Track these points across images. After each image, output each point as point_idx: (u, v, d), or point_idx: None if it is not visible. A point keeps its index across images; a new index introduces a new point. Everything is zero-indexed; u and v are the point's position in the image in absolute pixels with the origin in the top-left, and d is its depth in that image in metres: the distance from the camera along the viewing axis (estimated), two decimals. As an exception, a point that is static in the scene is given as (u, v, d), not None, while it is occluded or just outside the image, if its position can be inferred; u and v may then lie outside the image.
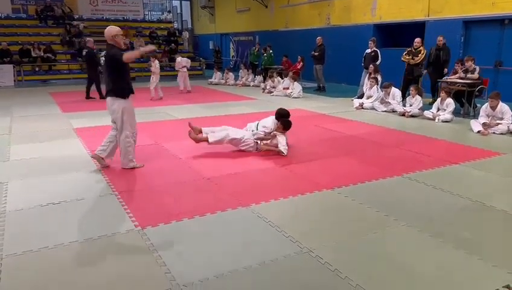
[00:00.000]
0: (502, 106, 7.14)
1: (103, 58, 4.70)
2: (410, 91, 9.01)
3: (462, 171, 5.01)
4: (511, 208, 3.81)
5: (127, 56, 4.60)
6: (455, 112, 8.37)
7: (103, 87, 10.95)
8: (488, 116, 7.21)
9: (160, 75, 11.62)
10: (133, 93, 4.92)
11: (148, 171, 4.96)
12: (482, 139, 6.71)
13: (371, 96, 9.89)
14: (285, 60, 14.90)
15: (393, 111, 9.09)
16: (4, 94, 12.61)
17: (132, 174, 4.88)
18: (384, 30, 13.71)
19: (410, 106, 8.81)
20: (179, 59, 13.31)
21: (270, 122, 5.86)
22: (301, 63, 14.05)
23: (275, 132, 5.74)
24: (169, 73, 16.85)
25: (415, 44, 9.99)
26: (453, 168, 5.09)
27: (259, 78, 15.13)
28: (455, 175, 4.85)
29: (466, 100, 8.70)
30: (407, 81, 10.04)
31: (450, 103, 8.14)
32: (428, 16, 12.00)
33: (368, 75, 10.54)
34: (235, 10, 22.07)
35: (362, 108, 9.66)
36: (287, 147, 5.58)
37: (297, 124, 6.00)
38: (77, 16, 20.27)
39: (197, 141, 5.70)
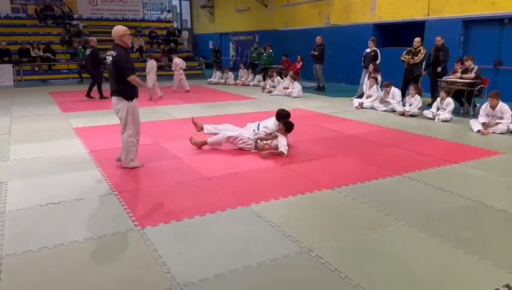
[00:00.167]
0: (502, 106, 7.14)
1: (110, 58, 4.71)
2: (410, 91, 9.01)
3: (462, 170, 5.01)
4: (511, 207, 3.81)
5: (133, 79, 4.69)
6: (455, 112, 8.37)
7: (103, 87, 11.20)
8: (487, 115, 7.21)
9: (160, 75, 11.62)
10: (137, 97, 4.94)
11: (148, 171, 4.96)
12: (482, 138, 6.71)
13: (371, 96, 9.88)
14: (284, 59, 14.89)
15: (393, 111, 9.09)
16: (4, 94, 12.60)
17: (132, 174, 4.87)
18: (383, 30, 13.70)
19: (410, 105, 8.82)
20: (177, 60, 13.32)
21: (271, 123, 5.86)
22: (301, 63, 14.06)
23: (276, 133, 5.75)
24: (169, 73, 16.81)
25: (414, 44, 9.99)
26: (453, 168, 5.09)
27: (258, 77, 15.13)
28: (455, 174, 4.85)
29: (466, 100, 8.71)
30: (407, 81, 10.04)
31: (449, 102, 8.14)
32: (428, 16, 12.00)
33: (367, 74, 10.54)
34: (235, 10, 22.06)
35: (362, 107, 9.66)
36: (287, 148, 5.57)
37: (297, 123, 6.00)
38: (77, 16, 20.25)
39: (198, 145, 5.85)
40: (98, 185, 4.47)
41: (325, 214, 3.75)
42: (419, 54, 9.83)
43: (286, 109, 6.12)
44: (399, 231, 3.36)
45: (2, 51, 15.40)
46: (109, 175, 4.76)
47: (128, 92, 4.81)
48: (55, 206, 3.88)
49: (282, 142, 5.58)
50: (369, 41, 11.27)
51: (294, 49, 15.55)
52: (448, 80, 9.00)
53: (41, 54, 16.37)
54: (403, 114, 8.69)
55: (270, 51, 15.42)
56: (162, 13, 26.96)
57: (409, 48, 10.10)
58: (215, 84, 15.66)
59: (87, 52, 11.55)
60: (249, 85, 14.96)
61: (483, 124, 7.09)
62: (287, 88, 12.23)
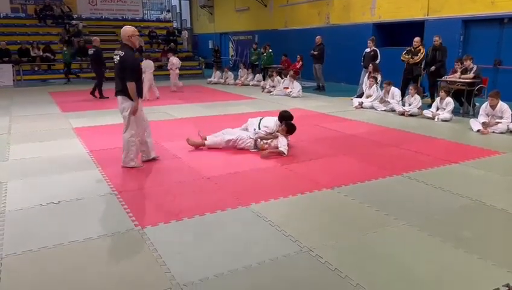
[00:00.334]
0: (502, 105, 7.14)
1: (117, 58, 4.73)
2: (409, 90, 9.02)
3: (462, 170, 5.01)
4: (510, 207, 3.81)
5: (131, 87, 4.71)
6: (454, 111, 8.37)
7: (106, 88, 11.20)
8: (487, 115, 7.21)
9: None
10: (141, 97, 4.96)
11: (148, 171, 4.96)
12: (482, 138, 6.72)
13: (371, 96, 9.89)
14: (284, 59, 14.89)
15: (393, 110, 9.09)
16: (3, 94, 12.59)
17: (132, 173, 4.87)
18: (383, 29, 13.71)
19: (409, 105, 8.82)
20: (174, 60, 13.34)
21: (272, 123, 5.86)
22: (300, 62, 14.05)
23: (276, 133, 5.75)
24: (167, 72, 16.81)
25: (414, 43, 9.98)
26: (453, 168, 5.09)
27: (258, 76, 15.13)
28: (455, 174, 4.85)
29: (465, 99, 8.71)
30: (407, 81, 10.04)
31: (449, 102, 8.15)
32: (427, 15, 12.00)
33: (367, 74, 10.54)
34: (234, 9, 22.06)
35: (362, 107, 9.66)
36: (287, 147, 5.57)
37: (297, 123, 5.99)
38: (76, 16, 20.25)
39: (196, 146, 5.88)
40: (98, 185, 4.47)
41: (325, 213, 3.75)
42: (418, 54, 9.83)
43: (289, 111, 6.11)
44: (399, 231, 3.36)
45: (2, 50, 15.40)
46: (109, 175, 4.76)
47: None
48: (55, 206, 3.88)
49: (282, 142, 5.58)
50: (368, 41, 11.27)
51: (294, 48, 15.55)
52: (447, 79, 9.00)
53: (41, 53, 16.37)
54: (402, 114, 8.69)
55: (270, 50, 15.41)
56: (162, 13, 26.96)
57: (409, 48, 10.10)
58: (215, 84, 15.66)
59: (91, 51, 11.55)
60: (249, 85, 14.97)
61: (483, 123, 7.09)
62: (287, 88, 12.23)
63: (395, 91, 9.37)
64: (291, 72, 12.71)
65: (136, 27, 5.14)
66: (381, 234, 3.30)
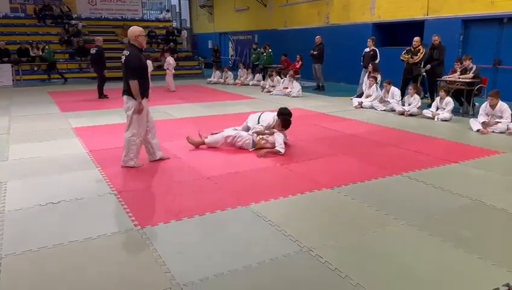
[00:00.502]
0: (501, 105, 7.14)
1: (123, 58, 4.82)
2: (409, 90, 9.02)
3: (462, 170, 5.01)
4: (510, 206, 3.81)
5: (134, 85, 4.72)
6: (454, 111, 8.37)
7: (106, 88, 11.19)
8: (487, 115, 7.21)
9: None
10: (147, 97, 4.96)
11: (147, 171, 4.96)
12: (482, 138, 6.72)
13: (370, 95, 9.89)
14: (284, 59, 14.89)
15: (392, 110, 9.09)
16: (3, 94, 12.58)
17: (131, 173, 4.87)
18: (383, 29, 13.71)
19: (409, 105, 8.82)
20: (171, 60, 13.34)
21: (270, 117, 5.93)
22: (300, 62, 14.05)
23: (273, 130, 5.76)
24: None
25: (414, 43, 9.98)
26: (453, 167, 5.09)
27: (258, 76, 15.13)
28: (455, 174, 4.85)
29: (465, 99, 8.71)
30: (406, 80, 10.04)
31: (449, 101, 8.15)
32: (427, 15, 12.00)
33: (367, 74, 10.54)
34: (234, 9, 22.05)
35: (361, 107, 9.66)
36: (283, 146, 5.58)
37: (296, 123, 6.01)
38: (76, 15, 20.24)
39: (196, 145, 5.89)
40: (98, 184, 4.47)
41: (324, 213, 3.75)
42: (418, 54, 9.83)
43: (288, 108, 6.13)
44: (399, 231, 3.36)
45: (1, 50, 15.36)
46: (108, 175, 4.75)
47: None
48: (54, 206, 3.87)
49: (278, 140, 5.60)
50: (368, 41, 11.27)
51: (293, 48, 15.55)
52: (447, 79, 9.01)
53: (40, 53, 16.34)
54: (402, 113, 8.69)
55: (270, 50, 15.42)
56: (161, 13, 26.94)
57: (409, 48, 10.10)
58: (215, 83, 15.65)
59: (93, 51, 11.55)
60: (249, 85, 14.96)
61: (483, 123, 7.10)
62: (287, 88, 12.23)
63: (395, 91, 9.37)
64: (291, 72, 12.70)
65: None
66: (381, 234, 3.30)
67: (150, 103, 5.20)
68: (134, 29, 4.87)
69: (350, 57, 13.35)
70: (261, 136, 5.74)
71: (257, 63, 16.02)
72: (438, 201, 4.00)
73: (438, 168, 5.01)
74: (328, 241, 3.16)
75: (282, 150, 5.53)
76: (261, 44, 16.60)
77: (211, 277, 2.68)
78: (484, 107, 7.30)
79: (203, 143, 5.89)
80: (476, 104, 8.61)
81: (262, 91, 13.08)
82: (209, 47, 24.20)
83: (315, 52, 12.77)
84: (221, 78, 15.92)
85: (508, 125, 6.95)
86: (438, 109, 8.28)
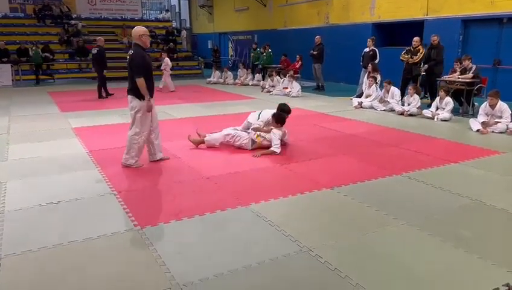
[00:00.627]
0: (501, 105, 7.14)
1: (128, 57, 4.88)
2: (408, 90, 9.03)
3: (462, 170, 5.02)
4: (510, 206, 3.81)
5: (140, 82, 4.71)
6: (454, 111, 8.38)
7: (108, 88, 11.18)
8: (487, 114, 7.21)
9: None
10: (151, 96, 4.94)
11: (147, 171, 4.96)
12: (481, 138, 6.72)
13: (370, 95, 9.89)
14: (284, 59, 14.89)
15: (392, 110, 9.09)
16: (2, 94, 12.57)
17: (131, 173, 4.87)
18: (383, 29, 13.71)
19: (409, 104, 8.83)
20: (168, 61, 13.32)
21: (269, 114, 5.95)
22: (300, 62, 14.05)
23: (271, 127, 5.77)
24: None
25: (413, 43, 9.98)
26: (453, 167, 5.09)
27: (258, 76, 15.13)
28: (454, 174, 4.85)
29: (465, 99, 8.71)
30: (406, 80, 10.04)
31: (448, 101, 8.14)
32: (427, 15, 12.00)
33: (366, 74, 10.54)
34: (234, 9, 22.05)
35: (361, 107, 9.66)
36: (279, 145, 5.59)
37: (296, 123, 6.01)
38: (75, 15, 20.23)
39: (196, 143, 5.92)
40: (97, 185, 4.46)
41: (324, 213, 3.75)
42: (418, 54, 9.83)
43: (288, 105, 6.14)
44: (399, 231, 3.36)
45: (1, 50, 15.35)
46: (108, 175, 4.75)
47: (139, 91, 4.82)
48: (54, 206, 3.87)
49: (274, 140, 5.60)
50: (368, 40, 11.28)
51: (293, 48, 15.55)
52: (447, 79, 9.01)
53: (40, 53, 16.31)
54: (402, 113, 8.70)
55: (269, 50, 15.42)
56: (161, 13, 26.92)
57: (408, 48, 10.10)
58: (214, 83, 15.65)
59: (94, 51, 11.54)
60: (248, 85, 14.97)
61: (483, 123, 7.10)
62: (286, 88, 12.23)
63: (395, 91, 9.37)
64: (291, 72, 12.70)
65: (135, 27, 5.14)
66: (381, 234, 3.30)
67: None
68: (138, 29, 4.89)
69: (350, 57, 13.36)
70: (258, 133, 5.75)
71: (257, 63, 16.02)
72: (438, 201, 4.00)
73: (437, 168, 5.01)
74: (328, 241, 3.16)
75: (278, 150, 5.54)
76: (260, 44, 16.60)
77: (211, 277, 2.68)
78: (484, 107, 7.30)
79: (203, 142, 5.90)
80: (476, 104, 8.61)
81: (262, 91, 13.08)
82: (209, 47, 24.21)
83: (315, 52, 12.77)
84: (221, 78, 15.92)
85: (507, 125, 6.95)
86: (437, 109, 8.28)
